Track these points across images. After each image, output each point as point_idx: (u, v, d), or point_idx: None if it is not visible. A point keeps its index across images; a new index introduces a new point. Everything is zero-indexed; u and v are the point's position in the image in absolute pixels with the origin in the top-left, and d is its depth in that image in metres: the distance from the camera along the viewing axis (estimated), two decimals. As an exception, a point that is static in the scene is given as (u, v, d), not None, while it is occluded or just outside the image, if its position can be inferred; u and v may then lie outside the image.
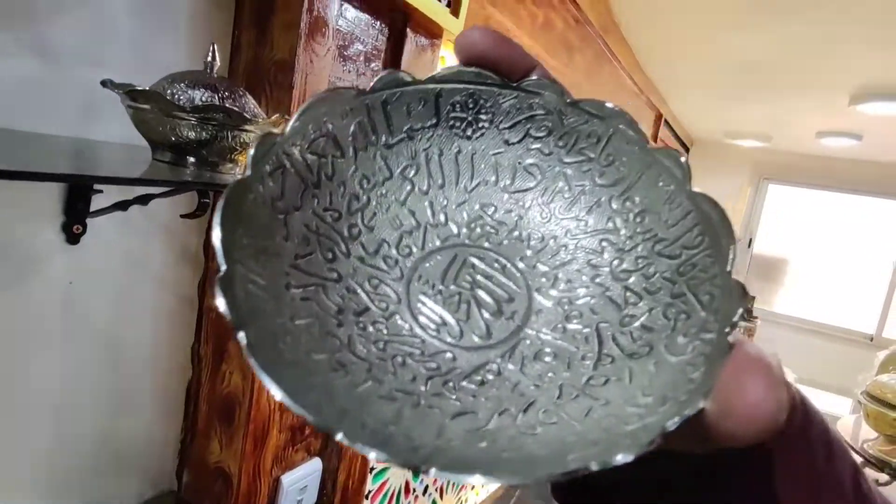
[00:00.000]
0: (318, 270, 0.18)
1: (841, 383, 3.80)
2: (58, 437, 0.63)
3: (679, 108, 3.13)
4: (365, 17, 0.80)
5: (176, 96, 0.51)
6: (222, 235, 0.15)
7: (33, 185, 0.55)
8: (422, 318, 0.18)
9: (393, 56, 0.86)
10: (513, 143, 0.21)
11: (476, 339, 0.18)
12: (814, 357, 3.80)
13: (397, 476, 1.26)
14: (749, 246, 4.04)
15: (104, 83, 0.51)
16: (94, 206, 0.58)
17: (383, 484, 1.20)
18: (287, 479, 0.82)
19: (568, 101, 0.21)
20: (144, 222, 0.66)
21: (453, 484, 1.60)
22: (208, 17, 0.68)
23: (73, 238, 0.59)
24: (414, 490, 1.36)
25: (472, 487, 1.76)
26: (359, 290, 0.18)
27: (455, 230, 0.20)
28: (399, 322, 0.18)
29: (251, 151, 0.17)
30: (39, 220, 0.57)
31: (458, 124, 0.21)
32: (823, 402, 3.69)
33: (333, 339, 0.16)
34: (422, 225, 0.20)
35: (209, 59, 0.54)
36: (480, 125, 0.21)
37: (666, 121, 3.10)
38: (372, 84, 0.20)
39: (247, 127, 0.53)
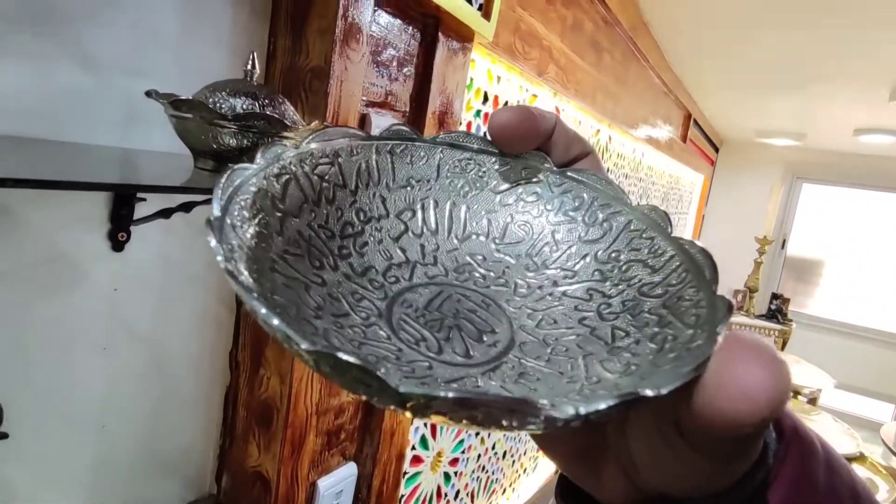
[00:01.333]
0: (304, 271, 0.18)
1: (881, 388, 3.66)
2: (101, 441, 0.65)
3: (708, 107, 3.07)
4: (397, 22, 0.80)
5: (218, 105, 0.52)
6: (221, 194, 0.15)
7: (80, 195, 0.56)
8: (402, 333, 0.18)
9: (425, 60, 0.86)
10: (506, 204, 0.23)
11: (456, 356, 0.18)
12: (852, 361, 3.68)
13: (429, 481, 1.25)
14: (783, 247, 3.94)
15: (148, 93, 0.52)
16: (137, 214, 0.59)
17: (416, 488, 1.20)
18: (323, 483, 0.82)
19: (556, 170, 0.23)
20: (185, 229, 0.67)
21: (484, 488, 1.59)
22: (246, 26, 0.69)
23: (117, 245, 0.60)
24: (445, 495, 1.35)
25: (503, 492, 1.75)
26: (341, 299, 0.18)
27: (443, 271, 0.21)
28: (378, 331, 0.18)
29: (262, 148, 0.18)
30: (86, 229, 0.58)
31: (455, 182, 0.23)
32: (863, 407, 3.58)
33: (309, 325, 0.16)
34: (411, 262, 0.21)
35: (249, 67, 0.54)
36: (476, 186, 0.23)
37: (695, 120, 3.05)
38: (381, 133, 0.22)
39: (287, 134, 0.54)
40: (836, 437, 2.06)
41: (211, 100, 0.52)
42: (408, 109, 0.86)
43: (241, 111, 0.52)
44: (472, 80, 1.07)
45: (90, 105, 0.56)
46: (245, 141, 0.53)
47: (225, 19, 0.66)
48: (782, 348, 3.54)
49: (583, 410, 0.12)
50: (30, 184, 0.38)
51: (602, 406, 0.12)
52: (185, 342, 0.72)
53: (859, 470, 1.91)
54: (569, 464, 0.23)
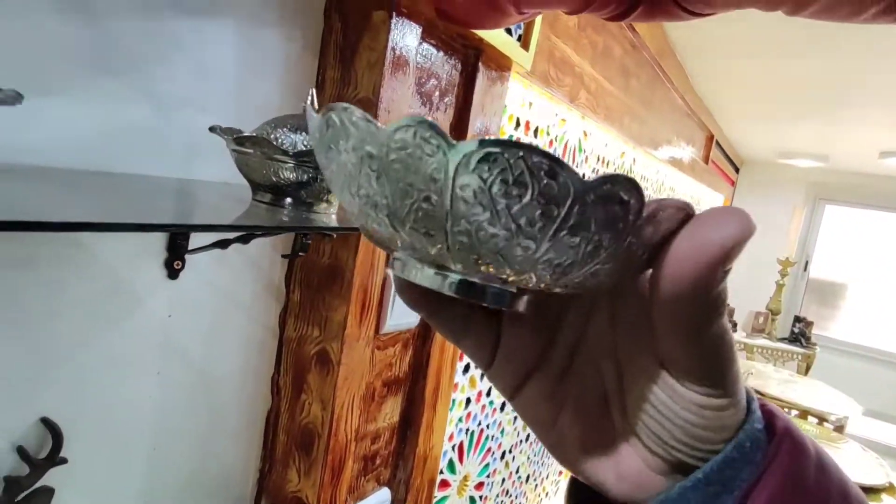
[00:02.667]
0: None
1: (909, 415, 3.58)
2: (151, 465, 0.65)
3: (730, 129, 3.07)
4: (441, 54, 0.81)
5: (279, 141, 0.53)
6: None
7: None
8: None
9: (465, 90, 0.88)
10: None
11: None
12: (879, 387, 3.60)
13: (456, 506, 1.25)
14: (805, 269, 3.89)
15: (212, 129, 0.54)
16: (193, 243, 0.61)
17: (444, 513, 1.19)
18: (359, 509, 0.82)
19: None
20: (236, 256, 0.68)
21: (508, 514, 1.57)
22: (297, 59, 0.71)
23: (173, 273, 0.62)
24: (472, 520, 1.34)
25: (526, 517, 1.73)
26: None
27: None
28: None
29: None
30: (145, 258, 0.59)
31: None
32: (891, 436, 3.49)
33: None
34: None
35: (308, 102, 0.56)
36: None
37: (717, 141, 3.04)
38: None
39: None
40: (865, 467, 2.01)
41: (273, 135, 0.53)
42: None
43: (303, 147, 0.53)
44: (505, 106, 1.09)
45: (155, 139, 0.58)
46: (304, 175, 0.54)
47: (278, 54, 0.68)
48: (806, 372, 3.48)
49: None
50: (100, 227, 0.39)
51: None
52: (230, 367, 0.73)
53: (888, 501, 1.86)
54: (584, 461, 0.24)
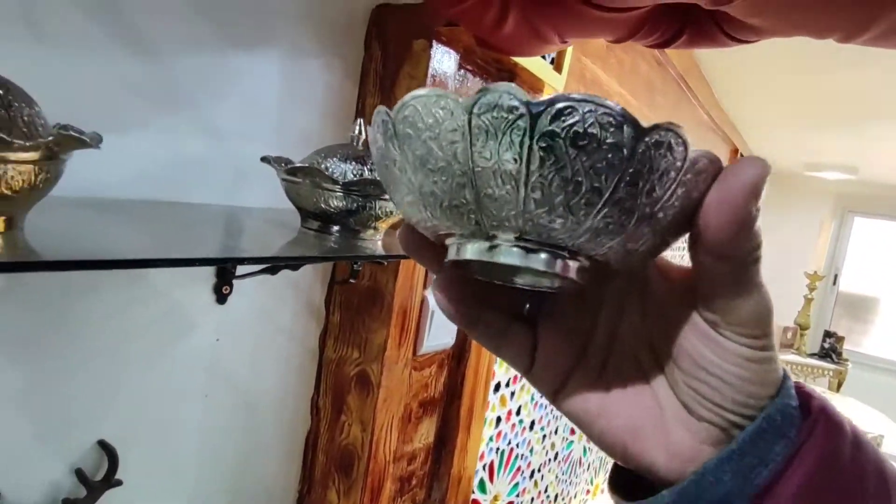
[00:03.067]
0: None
1: (947, 434, 3.46)
2: (197, 485, 0.67)
3: (755, 142, 3.04)
4: (476, 78, 0.83)
5: (330, 170, 0.55)
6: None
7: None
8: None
9: (499, 113, 0.89)
10: None
11: None
12: (915, 404, 3.49)
13: (488, 526, 1.24)
14: (834, 283, 3.81)
15: (264, 159, 0.56)
16: (243, 268, 0.62)
17: (476, 534, 1.18)
18: (396, 531, 0.83)
19: None
20: (278, 280, 0.70)
21: (537, 534, 1.56)
22: (338, 88, 0.73)
23: (221, 298, 0.63)
24: (503, 540, 1.33)
25: (555, 538, 1.71)
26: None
27: None
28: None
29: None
30: (196, 283, 0.61)
31: None
32: (929, 454, 3.37)
33: None
34: None
35: (357, 132, 0.57)
36: None
37: (741, 154, 3.01)
38: None
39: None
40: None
41: (323, 165, 0.55)
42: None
43: (353, 177, 0.54)
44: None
45: (207, 168, 0.59)
46: (353, 203, 0.55)
47: (319, 84, 0.70)
48: (837, 389, 3.39)
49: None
50: (163, 263, 0.41)
51: None
52: (271, 388, 0.74)
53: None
54: (633, 445, 0.25)
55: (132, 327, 0.56)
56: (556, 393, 0.26)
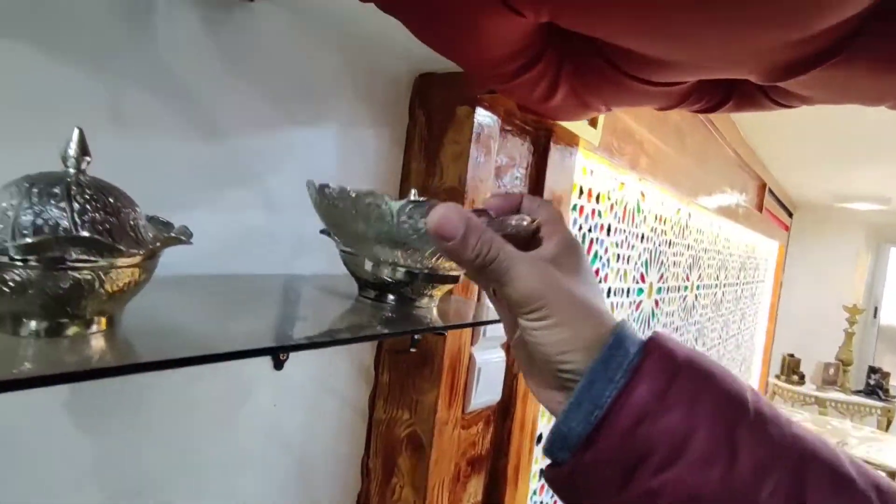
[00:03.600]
0: None
1: None
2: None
3: (783, 176, 3.02)
4: (516, 138, 0.85)
5: (387, 241, 0.56)
6: None
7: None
8: None
9: (538, 168, 0.91)
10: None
11: None
12: (972, 443, 3.31)
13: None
14: (875, 316, 3.69)
15: (323, 232, 0.58)
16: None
17: None
18: None
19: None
20: (331, 344, 0.71)
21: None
22: (387, 154, 0.75)
23: (279, 364, 0.65)
24: None
25: None
26: None
27: None
28: None
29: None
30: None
31: None
32: None
33: None
34: None
35: (412, 198, 0.59)
36: None
37: (769, 189, 2.99)
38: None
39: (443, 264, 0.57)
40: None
41: (381, 237, 0.57)
42: (522, 216, 0.90)
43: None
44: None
45: (268, 240, 0.62)
46: (410, 274, 0.57)
47: (370, 152, 0.73)
48: (886, 428, 3.24)
49: None
50: (213, 358, 0.42)
51: None
52: (323, 450, 0.75)
53: None
54: (538, 393, 0.34)
55: (197, 399, 0.57)
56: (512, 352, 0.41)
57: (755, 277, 3.46)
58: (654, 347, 0.29)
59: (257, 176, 0.60)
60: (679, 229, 1.92)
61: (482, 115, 0.74)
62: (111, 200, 0.32)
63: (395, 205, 0.42)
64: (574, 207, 1.17)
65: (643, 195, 1.54)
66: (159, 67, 0.51)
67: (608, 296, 1.42)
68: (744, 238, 2.91)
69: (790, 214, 4.02)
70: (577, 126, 0.89)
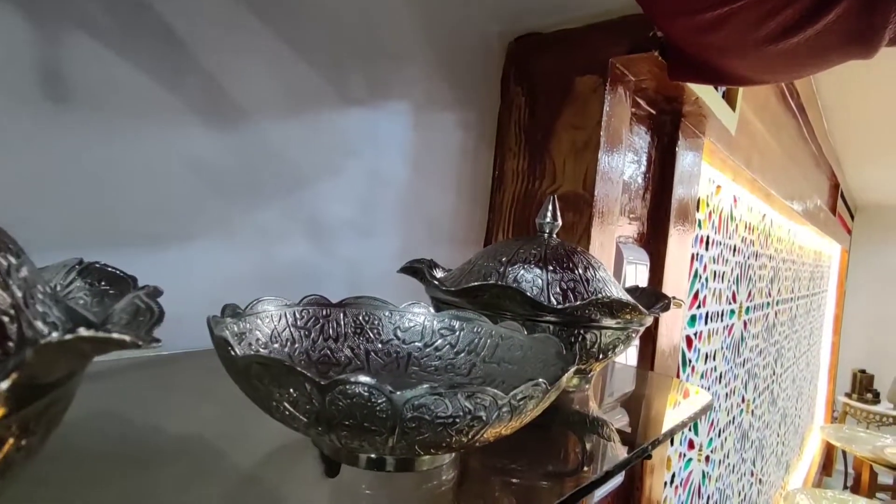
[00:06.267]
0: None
1: None
2: None
3: (852, 175, 2.73)
4: (641, 127, 0.62)
5: (519, 282, 0.33)
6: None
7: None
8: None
9: (662, 165, 0.67)
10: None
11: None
12: None
13: None
14: (958, 326, 3.34)
15: (404, 270, 0.35)
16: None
17: None
18: None
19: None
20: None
21: None
22: (473, 148, 0.53)
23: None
24: None
25: None
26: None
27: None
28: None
29: None
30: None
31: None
32: None
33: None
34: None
35: (549, 218, 0.36)
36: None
37: (841, 192, 2.70)
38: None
39: (606, 322, 0.34)
40: None
41: (511, 277, 0.33)
42: (645, 227, 0.66)
43: (559, 294, 0.33)
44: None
45: (318, 270, 0.39)
46: (559, 332, 0.34)
47: (450, 144, 0.50)
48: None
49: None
50: None
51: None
52: None
53: None
54: None
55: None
56: None
57: (821, 287, 3.15)
58: None
59: (297, 182, 0.38)
60: (764, 238, 1.66)
61: (614, 90, 0.50)
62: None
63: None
64: (677, 217, 0.93)
65: (735, 200, 1.29)
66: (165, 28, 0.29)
67: (705, 322, 1.17)
68: (813, 244, 2.62)
69: (852, 216, 3.70)
70: (716, 105, 0.66)
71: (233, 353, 0.19)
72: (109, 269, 0.19)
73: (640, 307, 0.32)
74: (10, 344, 0.12)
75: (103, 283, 0.19)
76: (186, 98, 0.33)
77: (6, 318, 0.12)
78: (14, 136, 0.27)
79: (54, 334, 0.10)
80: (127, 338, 0.12)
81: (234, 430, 0.26)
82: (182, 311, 0.31)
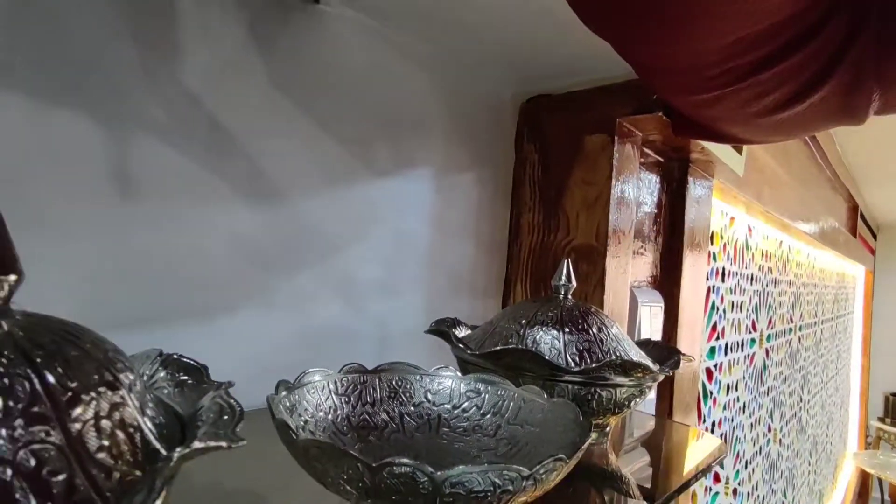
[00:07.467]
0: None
1: None
2: None
3: (872, 195, 2.71)
4: (651, 175, 0.65)
5: (538, 346, 0.36)
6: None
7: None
8: None
9: (672, 207, 0.70)
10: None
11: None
12: None
13: None
14: None
15: (430, 332, 0.38)
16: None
17: None
18: None
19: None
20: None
21: None
22: (489, 204, 0.56)
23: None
24: None
25: None
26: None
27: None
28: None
29: None
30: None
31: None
32: None
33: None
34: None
35: (563, 280, 0.39)
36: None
37: (861, 213, 2.68)
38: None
39: (619, 380, 0.36)
40: None
41: (530, 338, 0.36)
42: (658, 269, 0.68)
43: (575, 355, 0.35)
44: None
45: (349, 333, 0.42)
46: (580, 391, 0.36)
47: (469, 200, 0.54)
48: None
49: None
50: None
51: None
52: None
53: None
54: None
55: None
56: None
57: (846, 309, 3.10)
58: None
59: (329, 250, 0.41)
60: (782, 265, 1.66)
61: (622, 146, 0.54)
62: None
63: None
64: (691, 252, 0.95)
65: (750, 229, 1.31)
66: (182, 103, 0.33)
67: (725, 353, 1.17)
68: (835, 266, 2.60)
69: (874, 236, 3.65)
70: (722, 152, 0.68)
71: (294, 436, 0.22)
72: (185, 359, 0.22)
73: (651, 366, 0.34)
74: (139, 455, 0.15)
75: (181, 374, 0.22)
76: (231, 181, 0.36)
77: (132, 430, 0.15)
78: (83, 224, 0.31)
79: (177, 450, 0.14)
80: (224, 444, 0.15)
81: (283, 484, 0.29)
82: (231, 376, 0.34)
